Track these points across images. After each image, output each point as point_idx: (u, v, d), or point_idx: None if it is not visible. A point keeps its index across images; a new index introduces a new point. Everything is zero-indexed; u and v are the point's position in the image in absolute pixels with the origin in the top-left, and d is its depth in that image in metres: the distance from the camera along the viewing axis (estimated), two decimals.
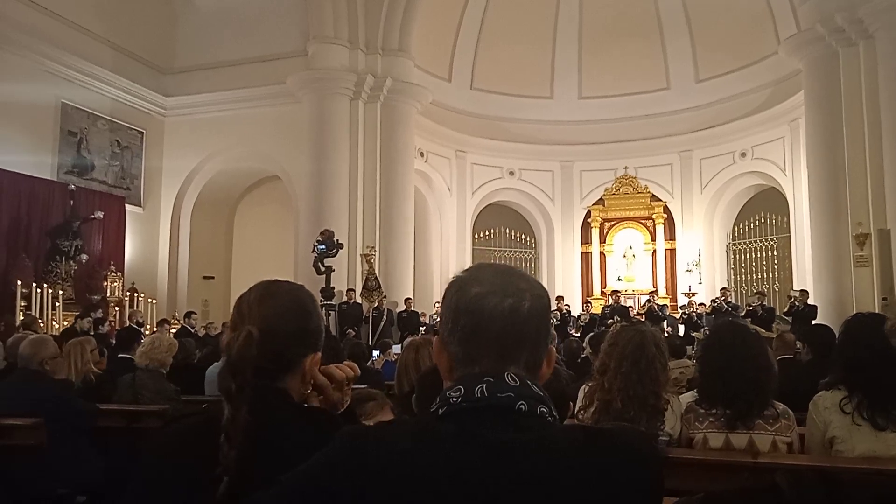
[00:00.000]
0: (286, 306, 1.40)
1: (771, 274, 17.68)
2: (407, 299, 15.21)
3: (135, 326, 11.46)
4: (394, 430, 1.08)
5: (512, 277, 1.10)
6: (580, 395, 3.22)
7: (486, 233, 19.23)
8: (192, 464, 1.22)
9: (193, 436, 1.26)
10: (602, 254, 19.14)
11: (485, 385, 1.03)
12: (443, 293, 1.14)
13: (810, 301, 13.10)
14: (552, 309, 1.22)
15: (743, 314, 13.79)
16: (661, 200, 18.65)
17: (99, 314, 12.06)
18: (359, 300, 14.71)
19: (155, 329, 11.71)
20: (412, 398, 2.69)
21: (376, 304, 14.73)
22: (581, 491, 0.99)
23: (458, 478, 0.98)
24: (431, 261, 17.89)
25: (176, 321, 13.62)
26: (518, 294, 1.07)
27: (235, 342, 1.29)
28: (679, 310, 16.46)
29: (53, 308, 12.11)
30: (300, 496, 1.03)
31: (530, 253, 19.86)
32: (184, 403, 5.00)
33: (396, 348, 10.33)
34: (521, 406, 1.03)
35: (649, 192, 18.73)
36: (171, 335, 10.13)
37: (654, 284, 18.36)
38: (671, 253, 18.60)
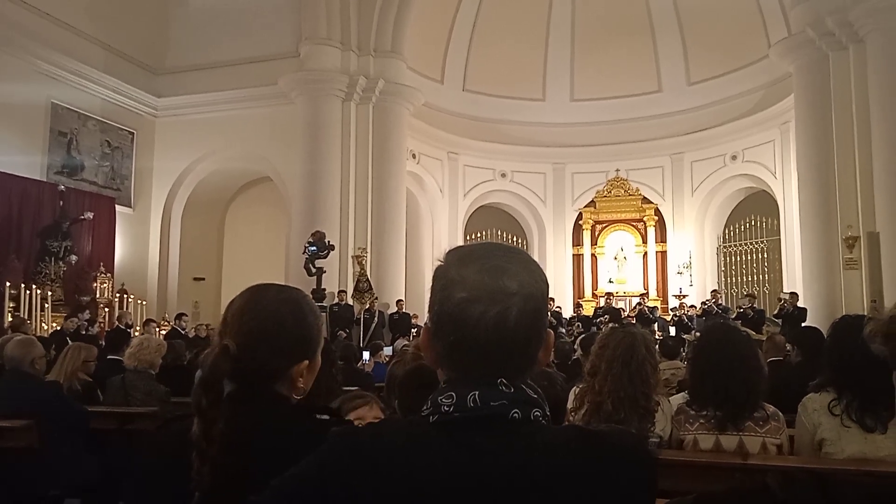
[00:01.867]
0: (270, 317, 1.35)
1: (761, 276, 17.75)
2: (399, 301, 15.19)
3: (123, 328, 11.39)
4: (387, 430, 1.07)
5: (501, 276, 1.02)
6: (571, 396, 3.23)
7: (478, 234, 19.22)
8: (189, 465, 1.21)
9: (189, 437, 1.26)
10: (593, 256, 19.18)
11: (477, 394, 1.01)
12: (432, 274, 1.08)
13: (800, 303, 13.16)
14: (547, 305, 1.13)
15: (733, 316, 13.83)
16: (652, 203, 18.71)
17: (87, 316, 11.99)
18: (350, 302, 14.70)
19: (140, 330, 11.65)
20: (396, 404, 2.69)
21: (368, 306, 14.72)
22: (578, 491, 0.98)
23: (454, 479, 0.97)
24: (423, 262, 17.87)
25: (166, 322, 13.57)
26: (505, 299, 1.01)
27: (210, 356, 1.27)
28: (670, 312, 16.52)
29: (42, 309, 12.03)
30: (294, 498, 1.01)
31: None
32: (174, 405, 4.97)
33: (387, 350, 10.34)
34: (516, 414, 1.01)
35: (640, 194, 18.79)
36: (160, 336, 10.11)
37: (645, 286, 18.41)
38: (662, 255, 18.66)
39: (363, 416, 1.95)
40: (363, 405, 2.04)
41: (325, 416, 1.37)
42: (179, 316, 13.39)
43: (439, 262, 1.09)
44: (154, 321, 12.41)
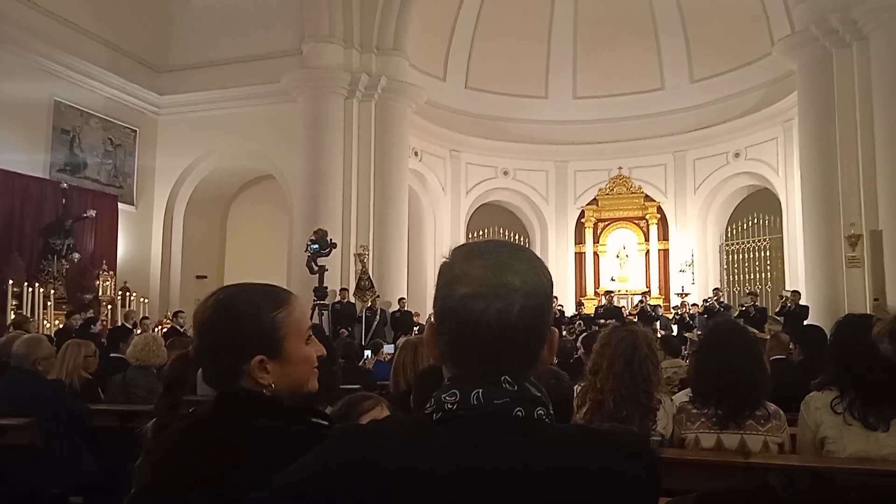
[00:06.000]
0: (210, 318, 1.36)
1: (763, 274, 17.74)
2: (401, 299, 15.20)
3: (127, 325, 11.39)
4: (389, 428, 1.06)
5: (504, 272, 1.02)
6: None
7: (481, 233, 19.22)
8: (188, 469, 1.21)
9: (183, 440, 1.25)
10: (595, 254, 19.17)
11: (481, 392, 1.00)
12: (437, 271, 1.08)
13: (802, 301, 13.15)
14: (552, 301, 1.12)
15: (735, 314, 13.82)
16: (654, 201, 18.69)
17: (90, 314, 11.99)
18: (352, 300, 14.70)
19: (139, 328, 11.66)
20: (409, 398, 2.69)
21: (369, 304, 14.73)
22: (581, 489, 0.98)
23: (457, 476, 0.97)
24: (425, 260, 17.88)
25: (168, 320, 13.58)
26: (508, 296, 1.01)
27: (169, 362, 1.33)
28: (672, 310, 16.51)
29: (45, 307, 12.04)
30: (295, 496, 1.01)
31: None
32: None
33: (388, 348, 10.33)
34: (519, 412, 1.01)
35: (643, 192, 18.77)
36: (160, 333, 10.09)
37: (648, 285, 18.40)
38: (664, 253, 18.64)
39: (375, 417, 1.93)
40: (374, 406, 2.01)
41: (321, 421, 1.37)
42: (177, 314, 13.39)
43: (444, 259, 1.08)
44: (147, 319, 12.51)
